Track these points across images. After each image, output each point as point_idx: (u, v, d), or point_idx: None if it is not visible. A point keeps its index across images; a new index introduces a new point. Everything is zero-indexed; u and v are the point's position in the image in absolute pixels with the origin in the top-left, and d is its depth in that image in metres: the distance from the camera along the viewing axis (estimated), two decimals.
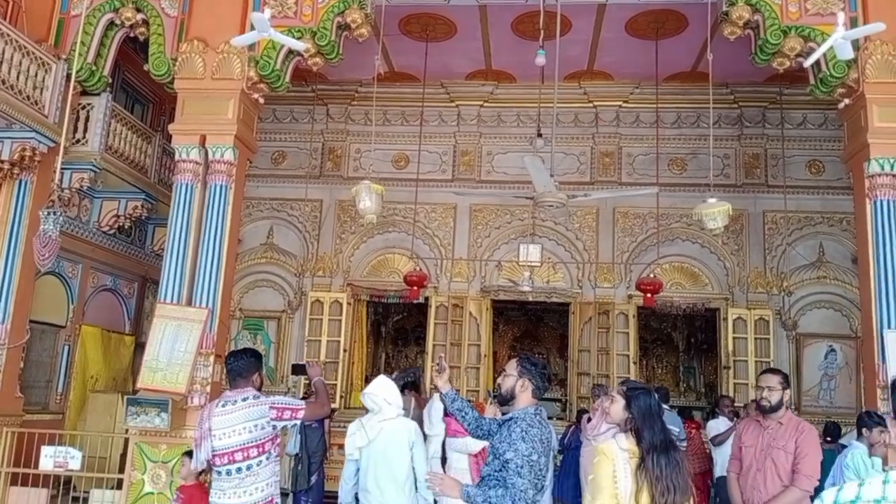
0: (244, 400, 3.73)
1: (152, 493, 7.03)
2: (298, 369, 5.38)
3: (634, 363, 10.98)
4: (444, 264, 11.32)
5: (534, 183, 7.21)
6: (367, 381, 9.47)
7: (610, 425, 3.07)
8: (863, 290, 7.33)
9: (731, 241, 11.05)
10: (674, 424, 8.02)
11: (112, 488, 7.49)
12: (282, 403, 3.72)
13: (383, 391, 4.74)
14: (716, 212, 7.39)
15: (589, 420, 4.36)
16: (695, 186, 10.89)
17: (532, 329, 14.41)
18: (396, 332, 14.44)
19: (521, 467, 2.95)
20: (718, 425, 7.67)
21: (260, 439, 3.67)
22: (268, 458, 3.72)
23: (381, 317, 14.07)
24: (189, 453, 4.66)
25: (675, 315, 12.87)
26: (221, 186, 7.68)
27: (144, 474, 7.06)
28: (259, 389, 3.94)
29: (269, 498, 3.73)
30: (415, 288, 9.89)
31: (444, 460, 5.88)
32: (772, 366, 10.40)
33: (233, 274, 8.43)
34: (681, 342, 13.78)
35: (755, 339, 10.58)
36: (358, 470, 4.69)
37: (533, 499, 2.97)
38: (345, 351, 11.08)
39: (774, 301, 10.79)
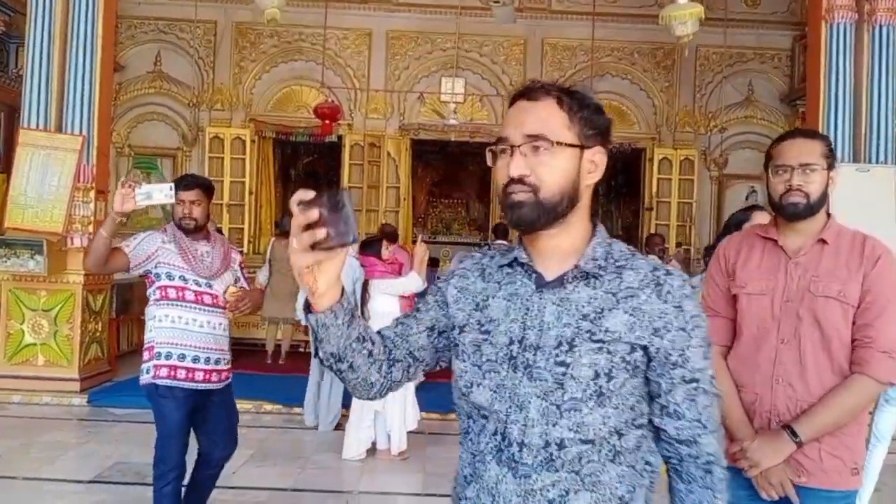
0: None
1: (35, 345, 6.23)
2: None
3: None
4: (358, 98, 10.33)
5: None
6: (277, 225, 8.74)
7: None
8: (809, 123, 6.97)
9: (661, 78, 10.54)
10: None
11: None
12: None
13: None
14: (687, 14, 6.66)
15: None
16: (630, 17, 10.21)
17: (452, 174, 13.78)
18: (307, 175, 13.51)
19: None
20: None
21: None
22: (149, 296, 3.15)
23: (290, 158, 13.06)
24: None
25: None
26: None
27: (23, 324, 6.22)
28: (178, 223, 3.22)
29: (149, 344, 3.11)
30: (326, 122, 8.95)
31: (363, 302, 5.27)
32: (694, 206, 10.34)
33: (110, 97, 7.25)
34: (601, 186, 13.48)
35: (679, 179, 10.35)
36: None
37: None
38: (251, 193, 10.18)
39: (701, 141, 10.50)
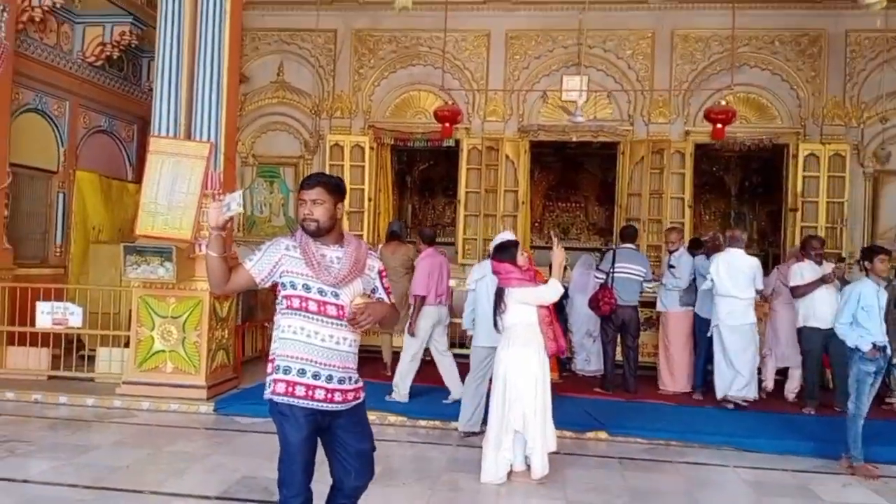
0: None
1: (164, 352, 6.27)
2: None
3: (690, 207, 9.93)
4: (476, 101, 10.05)
5: None
6: (391, 234, 8.54)
7: None
8: None
9: (807, 67, 9.64)
10: (641, 265, 7.24)
11: (121, 346, 6.76)
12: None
13: (509, 238, 5.21)
14: None
15: None
16: (771, 2, 9.42)
17: (570, 176, 13.24)
18: (422, 182, 13.38)
19: None
20: (803, 271, 6.60)
21: None
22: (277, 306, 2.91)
23: (406, 165, 12.98)
24: None
25: (731, 155, 11.70)
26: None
27: (153, 331, 6.27)
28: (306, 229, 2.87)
29: (272, 356, 2.85)
30: (447, 125, 8.69)
31: (496, 312, 4.81)
32: (846, 206, 9.36)
33: (236, 104, 7.27)
34: (733, 186, 12.59)
35: (828, 177, 9.41)
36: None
37: None
38: (369, 200, 10.09)
39: (853, 134, 9.52)
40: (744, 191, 12.62)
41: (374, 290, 2.93)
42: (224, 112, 6.38)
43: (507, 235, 4.99)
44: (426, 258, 6.59)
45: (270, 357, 2.82)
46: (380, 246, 8.44)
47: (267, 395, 2.79)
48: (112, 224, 8.63)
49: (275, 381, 2.76)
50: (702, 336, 7.09)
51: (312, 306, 2.77)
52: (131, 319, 6.47)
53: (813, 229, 9.32)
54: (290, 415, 2.75)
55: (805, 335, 6.57)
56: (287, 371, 2.75)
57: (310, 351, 2.76)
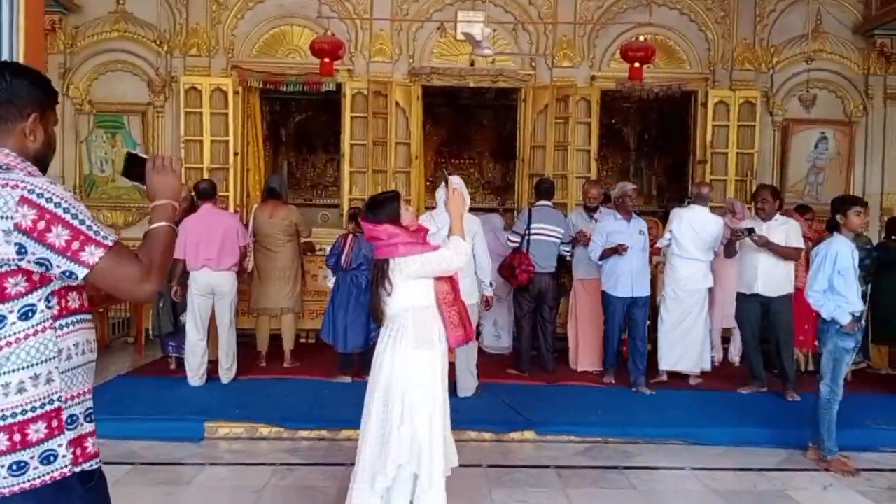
0: None
1: None
2: (133, 170, 1.83)
3: (595, 160, 9.06)
4: (361, 38, 8.70)
5: None
6: (268, 191, 7.17)
7: None
8: None
9: (716, 7, 8.94)
10: (559, 225, 6.37)
11: None
12: (54, 202, 1.53)
13: (462, 185, 4.26)
14: None
15: None
16: None
17: (462, 130, 12.13)
18: (299, 136, 11.87)
19: None
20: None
21: None
22: (16, 317, 1.55)
23: (280, 116, 11.44)
24: None
25: (631, 106, 10.98)
26: None
27: None
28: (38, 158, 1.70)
29: (48, 403, 1.56)
30: (326, 60, 7.30)
31: (376, 294, 3.25)
32: (755, 158, 8.82)
33: (40, 16, 5.60)
34: (632, 139, 11.93)
35: (738, 126, 8.80)
36: None
37: None
38: (236, 154, 8.57)
39: (762, 80, 8.96)
40: (643, 144, 12.00)
41: None
42: (22, 33, 4.75)
43: (456, 180, 4.02)
44: (199, 215, 5.94)
45: (42, 409, 1.56)
46: (254, 207, 7.10)
47: (58, 471, 1.56)
48: None
49: (75, 442, 1.60)
50: (612, 311, 6.08)
51: (86, 300, 1.70)
52: None
53: (722, 182, 8.79)
54: (76, 489, 1.60)
55: (737, 300, 5.86)
56: (89, 418, 1.66)
57: (90, 375, 1.69)
